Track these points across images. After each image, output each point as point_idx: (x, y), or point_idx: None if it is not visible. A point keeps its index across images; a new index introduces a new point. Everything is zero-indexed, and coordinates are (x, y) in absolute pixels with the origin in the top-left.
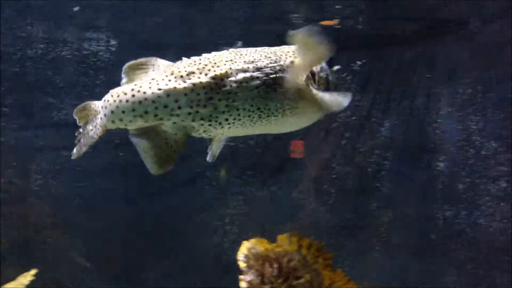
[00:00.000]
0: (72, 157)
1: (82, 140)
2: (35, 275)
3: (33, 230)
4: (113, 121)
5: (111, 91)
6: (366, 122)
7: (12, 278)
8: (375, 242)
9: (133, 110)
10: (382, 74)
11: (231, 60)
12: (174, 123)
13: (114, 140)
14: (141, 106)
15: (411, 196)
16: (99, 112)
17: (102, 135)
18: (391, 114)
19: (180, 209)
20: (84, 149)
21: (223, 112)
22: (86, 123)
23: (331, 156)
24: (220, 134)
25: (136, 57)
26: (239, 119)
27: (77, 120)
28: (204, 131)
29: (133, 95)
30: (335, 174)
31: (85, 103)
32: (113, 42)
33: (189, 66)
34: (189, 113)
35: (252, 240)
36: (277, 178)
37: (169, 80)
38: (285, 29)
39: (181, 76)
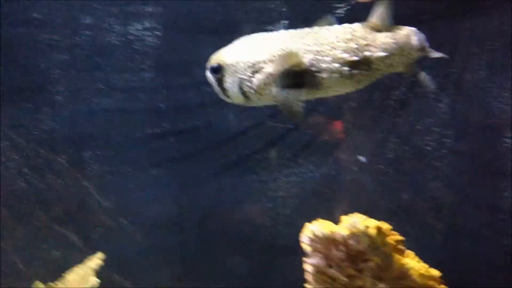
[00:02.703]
0: None
1: None
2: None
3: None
4: None
5: None
6: (423, 98)
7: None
8: (436, 224)
9: None
10: (438, 47)
11: None
12: None
13: (163, 126)
14: None
15: (475, 176)
16: None
17: None
18: (450, 89)
19: (231, 192)
20: None
21: None
22: None
23: (386, 135)
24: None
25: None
26: None
27: None
28: None
29: None
30: (391, 154)
31: None
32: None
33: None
34: None
35: (316, 222)
36: (329, 159)
37: None
38: None
39: None
